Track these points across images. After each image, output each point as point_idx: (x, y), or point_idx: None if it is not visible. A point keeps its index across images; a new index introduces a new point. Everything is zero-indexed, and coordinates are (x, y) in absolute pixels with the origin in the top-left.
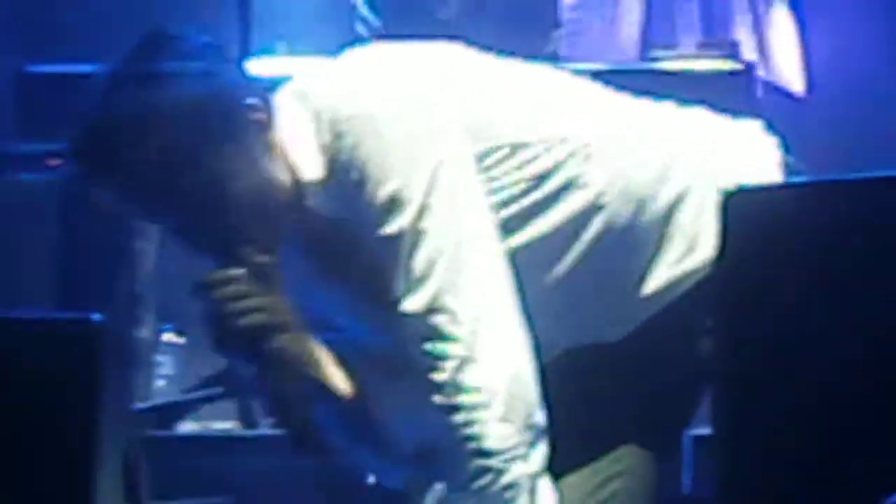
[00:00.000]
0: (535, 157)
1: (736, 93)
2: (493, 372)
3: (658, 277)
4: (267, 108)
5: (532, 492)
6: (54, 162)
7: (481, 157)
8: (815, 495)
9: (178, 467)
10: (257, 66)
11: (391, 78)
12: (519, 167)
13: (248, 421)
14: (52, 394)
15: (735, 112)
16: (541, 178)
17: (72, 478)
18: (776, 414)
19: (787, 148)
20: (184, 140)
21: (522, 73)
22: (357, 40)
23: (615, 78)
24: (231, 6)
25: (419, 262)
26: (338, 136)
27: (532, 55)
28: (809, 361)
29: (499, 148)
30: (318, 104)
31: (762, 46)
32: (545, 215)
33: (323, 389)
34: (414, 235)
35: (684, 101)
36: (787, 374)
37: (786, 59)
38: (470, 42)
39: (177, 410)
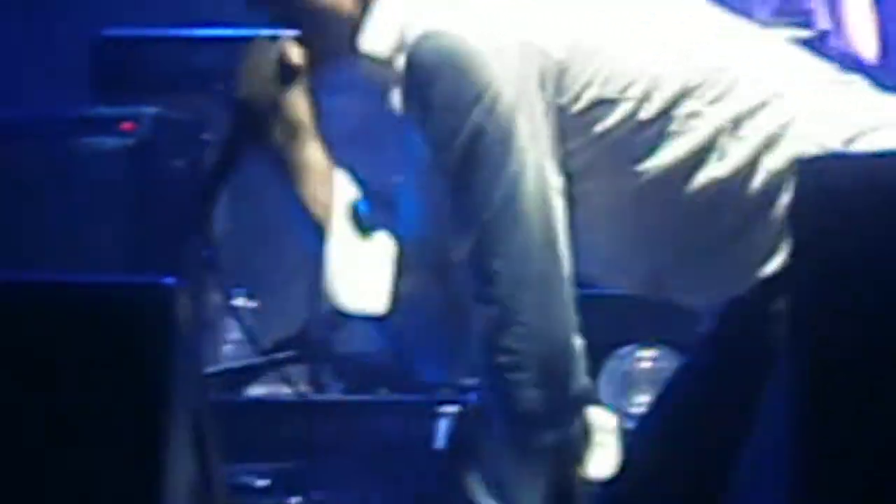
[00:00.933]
0: (624, 112)
1: None
2: (530, 336)
3: (744, 258)
4: None
5: (578, 459)
6: (128, 126)
7: (565, 107)
8: None
9: (248, 432)
10: None
11: (490, 11)
12: (603, 121)
13: (318, 385)
14: (125, 357)
15: None
16: (634, 130)
17: (144, 441)
18: (858, 401)
19: None
20: None
21: (639, 15)
22: None
23: None
24: None
25: (463, 211)
26: (415, 43)
27: None
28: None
29: (581, 99)
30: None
31: (835, 14)
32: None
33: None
34: (459, 180)
35: None
36: (869, 360)
37: (859, 27)
38: None
39: (246, 374)
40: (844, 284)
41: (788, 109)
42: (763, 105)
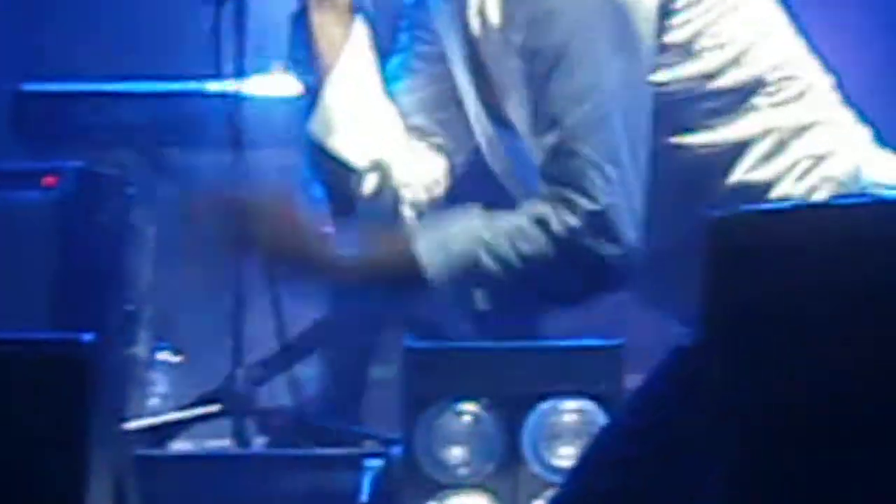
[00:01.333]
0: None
1: None
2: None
3: None
4: None
5: None
6: (51, 180)
7: (660, 33)
8: None
9: (172, 486)
10: (251, 86)
11: None
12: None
13: (241, 439)
14: (41, 415)
15: None
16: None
17: (62, 499)
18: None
19: None
20: None
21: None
22: None
23: None
24: (225, 27)
25: (555, 103)
26: None
27: None
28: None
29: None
30: None
31: None
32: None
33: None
34: (556, 72)
35: None
36: (784, 416)
37: None
38: None
39: (170, 429)
40: (757, 342)
41: (831, 139)
42: (813, 125)
